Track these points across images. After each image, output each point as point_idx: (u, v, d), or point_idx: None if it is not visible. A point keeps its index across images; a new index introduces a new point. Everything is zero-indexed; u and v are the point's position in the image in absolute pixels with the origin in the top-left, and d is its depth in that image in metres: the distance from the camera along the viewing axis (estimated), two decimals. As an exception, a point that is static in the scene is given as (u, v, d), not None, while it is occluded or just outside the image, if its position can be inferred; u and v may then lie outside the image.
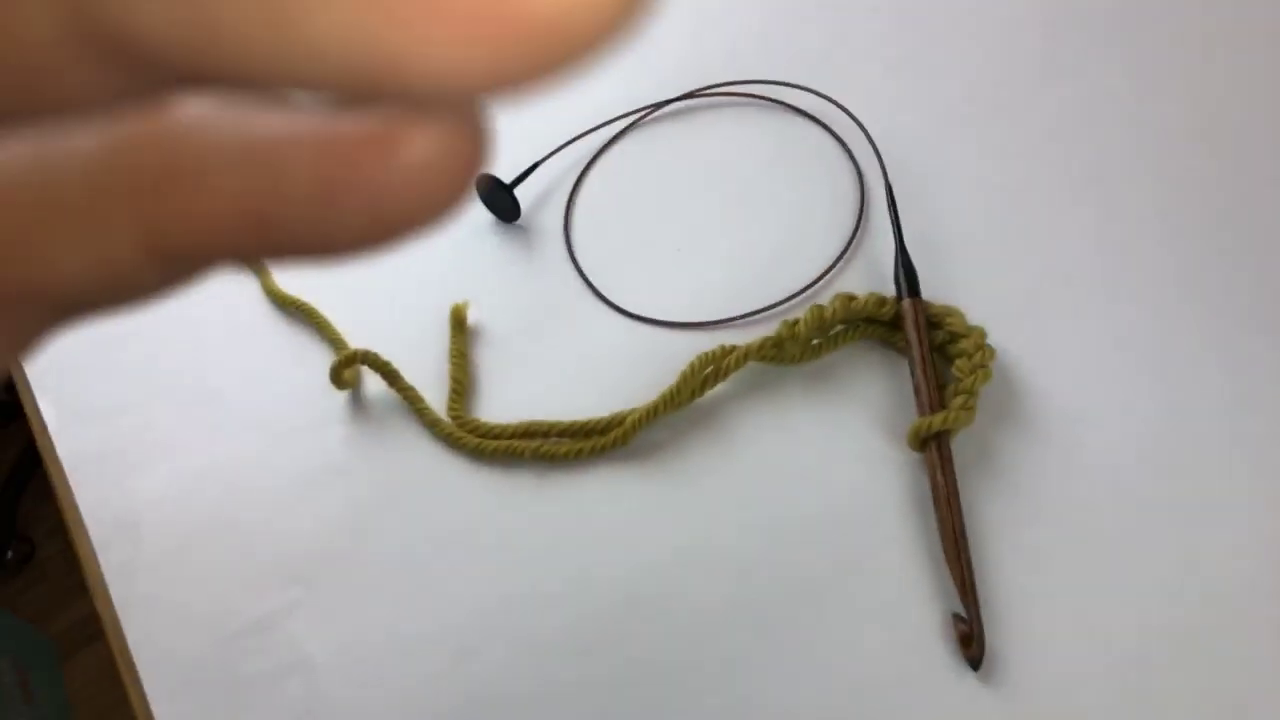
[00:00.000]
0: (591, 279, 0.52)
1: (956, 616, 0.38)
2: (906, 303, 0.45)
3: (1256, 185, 0.48)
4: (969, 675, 0.37)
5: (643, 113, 0.58)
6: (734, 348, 0.45)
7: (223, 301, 0.55)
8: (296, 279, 0.55)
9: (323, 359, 0.51)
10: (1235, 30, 0.54)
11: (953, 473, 0.41)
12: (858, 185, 0.52)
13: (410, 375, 0.49)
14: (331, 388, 0.49)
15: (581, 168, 0.57)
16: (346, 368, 0.49)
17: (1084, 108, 0.53)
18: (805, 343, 0.45)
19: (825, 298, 0.47)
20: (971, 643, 0.37)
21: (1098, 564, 0.39)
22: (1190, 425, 0.41)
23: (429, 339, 0.51)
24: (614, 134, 0.58)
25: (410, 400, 0.48)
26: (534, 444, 0.46)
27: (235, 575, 0.45)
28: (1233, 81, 0.52)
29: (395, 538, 0.45)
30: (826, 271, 0.49)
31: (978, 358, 0.43)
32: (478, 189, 0.55)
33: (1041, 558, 0.39)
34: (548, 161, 0.56)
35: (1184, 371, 0.43)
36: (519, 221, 0.55)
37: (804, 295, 0.49)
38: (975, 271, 0.48)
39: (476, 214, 0.56)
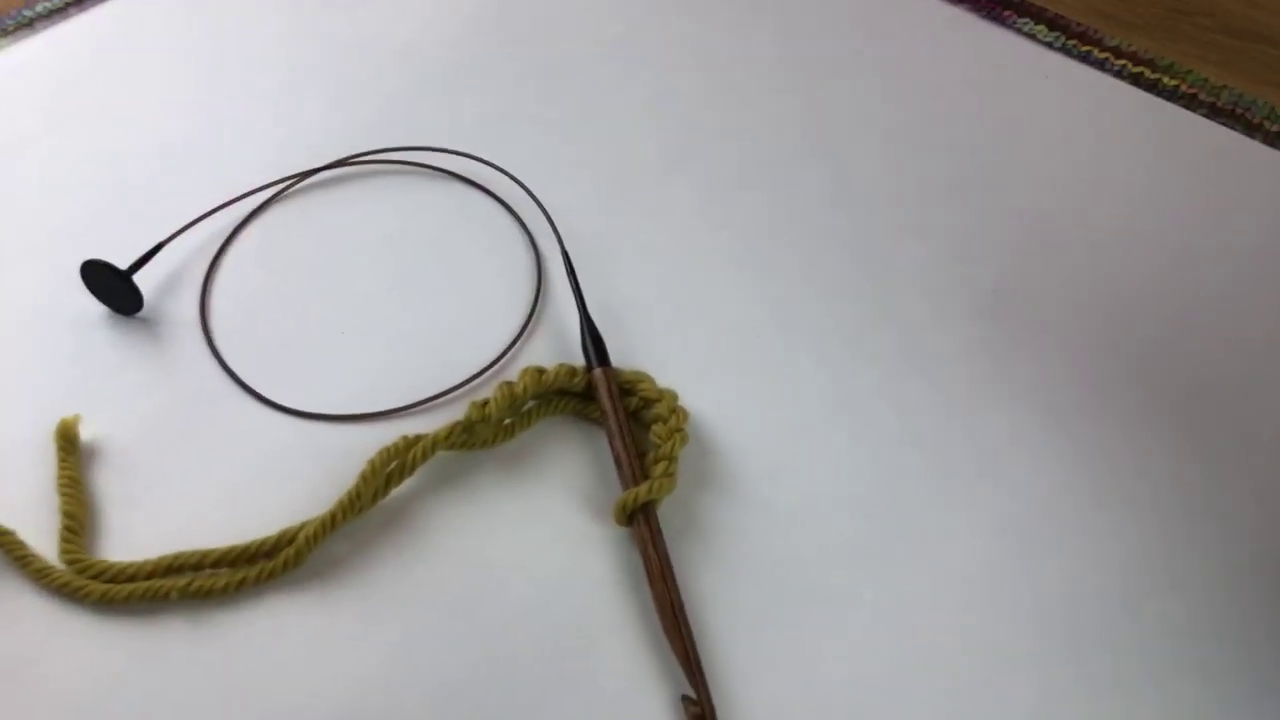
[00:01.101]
0: (240, 373, 0.45)
1: (686, 699, 0.36)
2: (597, 372, 0.43)
3: (892, 234, 0.52)
4: (707, 760, 0.35)
5: (287, 183, 0.52)
6: (419, 437, 0.41)
7: None
8: None
9: None
10: (861, 105, 0.59)
11: (663, 544, 0.39)
12: (533, 254, 0.50)
13: (4, 515, 0.39)
14: (-114, 545, 0.38)
15: (217, 247, 0.49)
16: (-92, 517, 0.38)
17: (739, 170, 0.55)
18: (497, 423, 0.42)
19: (512, 374, 0.44)
20: (705, 725, 0.35)
21: (812, 618, 0.39)
22: (872, 468, 0.43)
23: (28, 467, 0.41)
24: (254, 208, 0.51)
25: (6, 547, 0.38)
26: (183, 580, 0.38)
27: None
28: (866, 143, 0.57)
29: (-5, 732, 0.35)
30: (510, 346, 0.46)
31: (673, 421, 0.42)
32: (85, 278, 0.46)
33: (760, 621, 0.39)
34: (173, 242, 0.48)
35: (858, 416, 0.45)
36: (141, 314, 0.47)
37: (489, 373, 0.45)
38: (659, 335, 0.47)
39: (85, 307, 0.46)
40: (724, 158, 0.56)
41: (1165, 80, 0.61)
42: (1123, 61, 0.62)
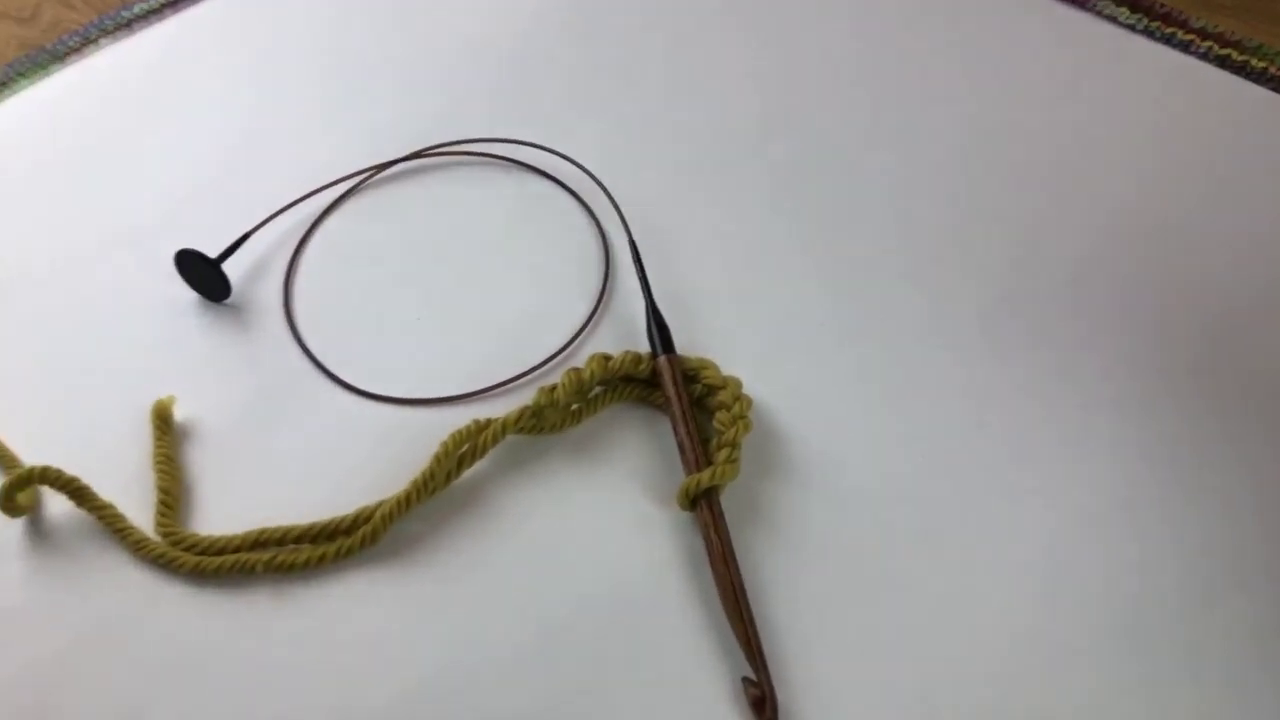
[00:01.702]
0: (321, 358, 0.47)
1: (746, 680, 0.37)
2: (662, 359, 0.44)
3: (964, 222, 0.52)
4: (766, 741, 0.36)
5: (365, 175, 0.54)
6: (490, 421, 0.42)
7: None
8: (-54, 386, 0.45)
9: (-13, 481, 0.42)
10: (933, 94, 0.59)
11: (726, 529, 0.40)
12: (601, 243, 0.51)
13: (105, 490, 0.41)
14: (1, 515, 0.40)
15: (300, 237, 0.52)
16: (20, 490, 0.40)
17: (811, 158, 0.55)
18: (565, 409, 0.43)
19: (579, 360, 0.45)
20: (765, 706, 0.36)
21: (874, 604, 0.39)
22: (940, 455, 0.43)
23: (126, 445, 0.43)
24: (334, 199, 0.53)
25: (107, 520, 0.41)
26: (267, 555, 0.40)
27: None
28: (940, 131, 0.56)
29: (100, 693, 0.37)
30: (578, 333, 0.47)
31: (736, 408, 0.42)
32: (178, 266, 0.48)
33: (821, 606, 0.39)
34: (259, 231, 0.50)
35: (927, 403, 0.45)
36: (230, 300, 0.49)
37: (557, 360, 0.46)
38: (723, 322, 0.48)
39: (178, 293, 0.49)
40: (794, 147, 0.56)
41: (1254, 62, 0.59)
42: (1209, 43, 0.60)
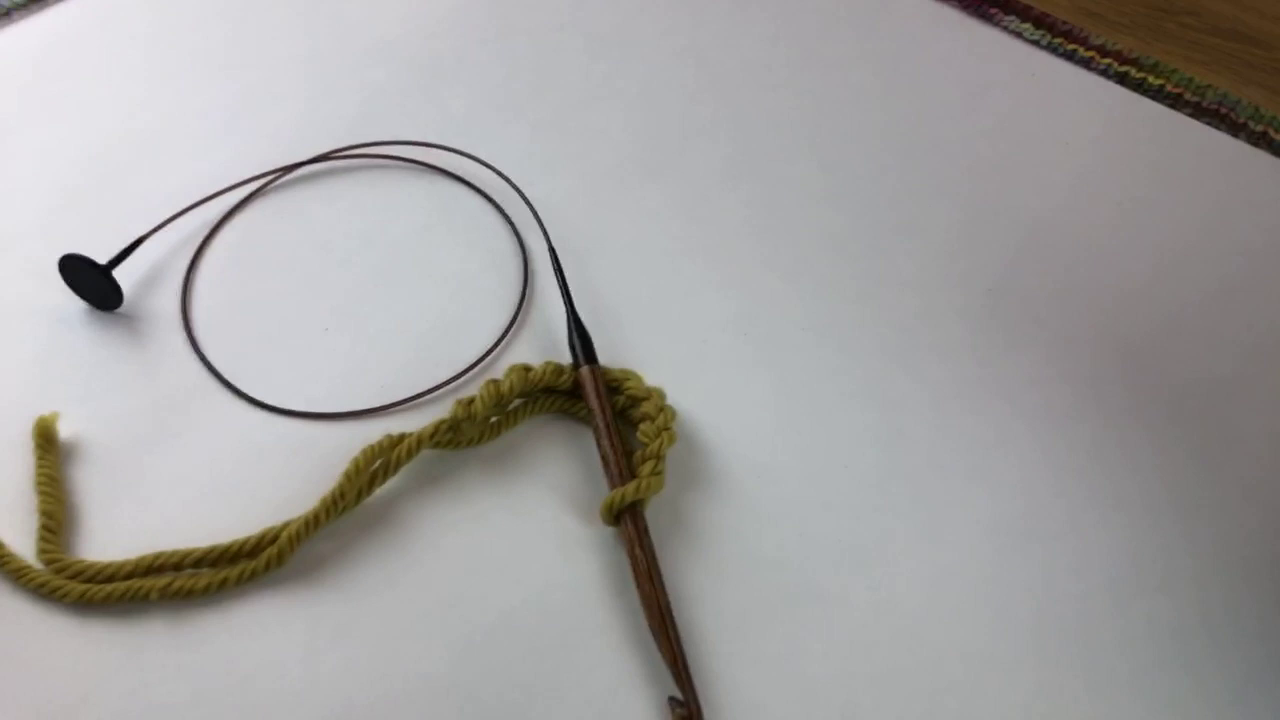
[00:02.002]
0: (222, 370, 0.44)
1: (673, 700, 0.36)
2: (584, 369, 0.43)
3: (879, 231, 0.52)
4: (694, 761, 0.35)
5: (270, 177, 0.51)
6: (404, 436, 0.40)
7: None
8: None
9: None
10: (850, 101, 0.59)
11: (650, 545, 0.39)
12: (519, 250, 0.50)
13: (-20, 515, 0.38)
14: None
15: (199, 242, 0.49)
16: (-119, 516, 0.37)
17: (728, 166, 0.55)
18: (483, 422, 0.42)
19: (498, 371, 0.43)
20: (692, 726, 0.35)
21: (800, 618, 0.39)
22: (860, 466, 0.43)
23: (5, 465, 0.40)
24: (237, 202, 0.50)
25: (-18, 547, 0.38)
26: (163, 581, 0.37)
27: None
28: (856, 141, 0.57)
29: (-29, 735, 0.34)
30: (496, 343, 0.46)
31: (660, 420, 0.42)
32: (63, 273, 0.45)
33: (747, 621, 0.38)
34: (154, 236, 0.47)
35: (846, 414, 0.45)
36: (121, 309, 0.46)
37: (474, 371, 0.45)
38: (647, 333, 0.47)
39: (63, 303, 0.45)
40: (713, 154, 0.55)
41: (1150, 79, 0.61)
42: (1108, 60, 0.63)
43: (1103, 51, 0.63)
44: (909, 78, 0.61)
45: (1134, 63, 0.62)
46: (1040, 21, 0.65)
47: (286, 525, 0.38)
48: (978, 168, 0.56)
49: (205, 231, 0.49)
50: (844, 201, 0.54)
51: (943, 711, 0.37)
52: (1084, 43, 0.64)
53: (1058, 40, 0.64)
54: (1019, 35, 0.64)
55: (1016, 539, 0.41)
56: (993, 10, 0.65)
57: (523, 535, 0.40)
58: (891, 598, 0.39)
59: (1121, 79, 0.62)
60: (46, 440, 0.40)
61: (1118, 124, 0.59)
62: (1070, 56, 0.63)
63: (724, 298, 0.49)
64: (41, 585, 0.37)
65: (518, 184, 0.52)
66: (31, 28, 0.59)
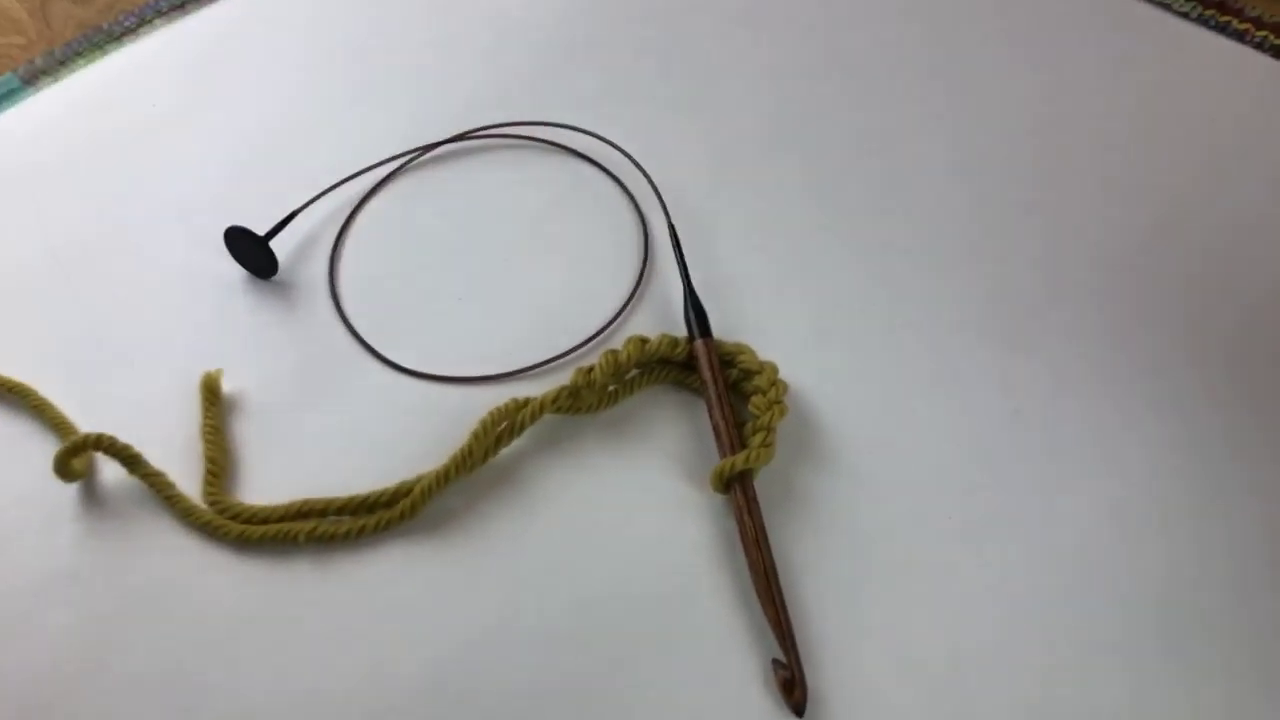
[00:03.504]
0: (364, 335, 0.48)
1: (776, 663, 0.37)
2: (699, 343, 0.44)
3: (1008, 210, 0.51)
4: (794, 722, 0.36)
5: (410, 156, 0.54)
6: (528, 400, 0.43)
7: (-92, 387, 0.46)
8: (5, 357, 0.47)
9: (44, 447, 0.43)
10: (980, 79, 0.58)
11: (759, 512, 0.40)
12: (640, 227, 0.51)
13: (156, 458, 0.42)
14: (57, 480, 0.42)
15: (345, 216, 0.52)
16: (75, 455, 0.42)
17: (852, 145, 0.55)
18: (601, 390, 0.44)
19: (617, 342, 0.45)
20: (794, 689, 0.36)
21: (906, 591, 0.39)
22: (975, 445, 0.43)
23: (177, 415, 0.45)
24: (379, 179, 0.54)
25: (157, 487, 0.42)
26: (309, 525, 0.41)
27: (-64, 722, 0.37)
28: (987, 118, 0.56)
29: (147, 652, 0.38)
30: (616, 316, 0.48)
31: (772, 394, 0.43)
32: (227, 243, 0.49)
33: (853, 591, 0.39)
34: (306, 210, 0.51)
35: (962, 393, 0.45)
36: (276, 277, 0.50)
37: (595, 341, 0.47)
38: (761, 307, 0.48)
39: (226, 270, 0.50)
40: (836, 132, 0.55)
41: (1311, 52, 0.58)
42: (1264, 33, 0.59)
43: (1258, 23, 0.60)
44: (1046, 52, 0.59)
45: (1293, 34, 0.59)
46: (1191, -8, 0.62)
47: (419, 479, 0.41)
48: (1117, 145, 0.54)
49: (352, 206, 0.53)
50: (972, 179, 0.53)
51: (1043, 694, 0.37)
52: (1238, 14, 0.60)
53: (1210, 12, 0.61)
54: (1167, 7, 0.61)
55: (1132, 526, 0.40)
56: (1138, -18, 0.62)
57: (637, 498, 0.42)
58: (1002, 576, 0.39)
59: (1278, 52, 0.58)
60: (212, 394, 0.45)
61: (1271, 99, 0.56)
62: (1223, 29, 0.60)
63: (842, 275, 0.49)
64: (206, 524, 0.41)
65: (641, 162, 0.53)
66: (203, 19, 0.64)
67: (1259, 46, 0.59)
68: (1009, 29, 0.61)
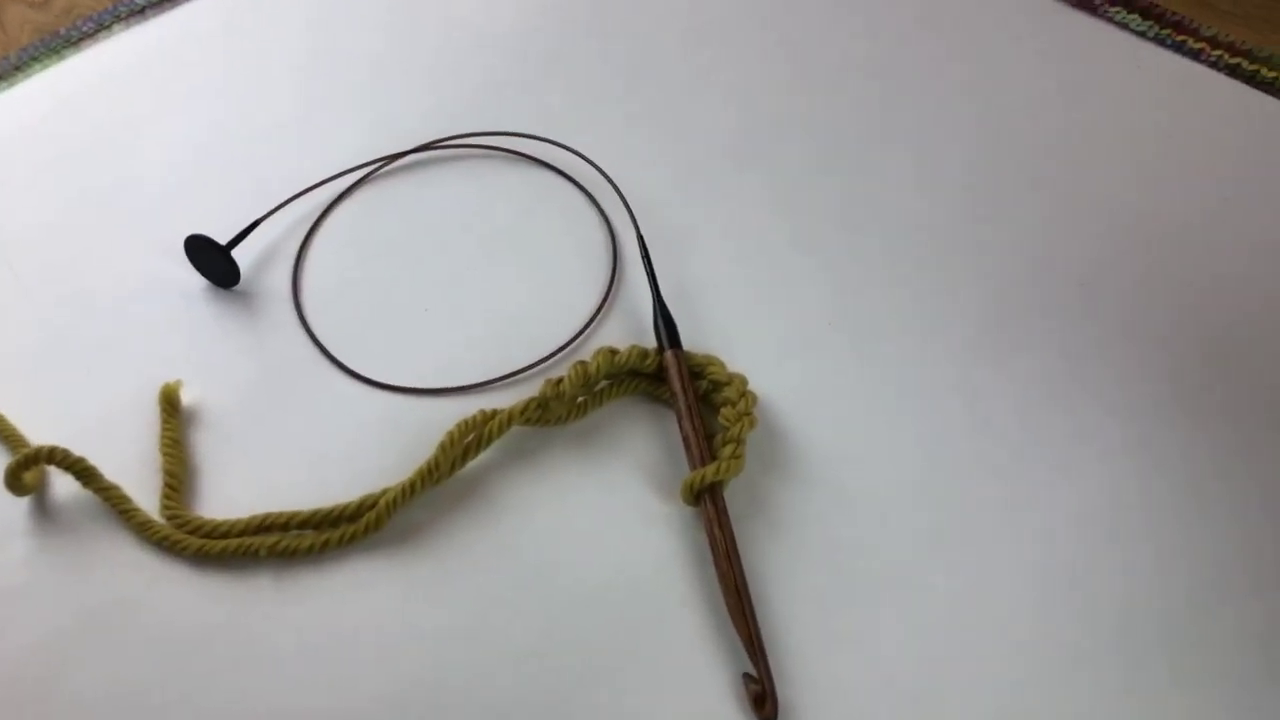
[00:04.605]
0: (328, 346, 0.47)
1: (747, 676, 0.37)
2: (668, 354, 0.44)
3: (971, 224, 0.52)
4: (765, 736, 0.36)
5: (375, 165, 0.54)
6: (495, 412, 0.42)
7: None
8: (-46, 366, 0.45)
9: (-6, 461, 0.42)
10: (946, 94, 0.59)
11: (729, 525, 0.40)
12: (609, 238, 0.51)
13: (112, 471, 0.41)
14: (7, 494, 0.40)
15: (309, 225, 0.52)
16: (26, 469, 0.40)
17: (819, 159, 0.55)
18: (570, 401, 0.43)
19: (586, 354, 0.45)
20: (765, 702, 0.36)
21: (876, 602, 0.39)
22: (944, 457, 0.43)
23: (134, 427, 0.43)
24: (344, 188, 0.53)
25: (113, 501, 0.41)
26: (271, 539, 0.40)
27: (-124, 747, 0.35)
28: (949, 133, 0.56)
29: (103, 671, 0.37)
30: (585, 327, 0.47)
31: (742, 405, 0.43)
32: (188, 252, 0.48)
33: (823, 603, 0.39)
34: (268, 219, 0.50)
35: (930, 405, 0.45)
36: (238, 286, 0.49)
37: (564, 353, 0.47)
38: (731, 319, 0.48)
39: (187, 279, 0.49)
40: (803, 146, 0.56)
41: (1264, 72, 0.59)
42: (1219, 52, 0.61)
43: (1214, 43, 0.61)
44: (1006, 69, 0.60)
45: (1246, 54, 0.60)
46: (1148, 12, 0.63)
47: (385, 492, 0.41)
48: (1077, 160, 0.55)
49: (316, 215, 0.52)
50: (936, 194, 0.53)
51: (1020, 703, 0.37)
52: (1194, 33, 0.62)
53: (1166, 31, 0.62)
54: (1125, 26, 0.62)
55: (1101, 535, 0.41)
56: (1098, 1, 0.63)
57: (606, 511, 0.42)
58: (971, 586, 0.39)
59: (1232, 71, 0.59)
60: (171, 405, 0.44)
61: (1226, 117, 0.57)
62: (1179, 48, 0.61)
63: (810, 287, 0.49)
64: (163, 539, 0.40)
65: (610, 174, 0.53)
66: (162, 24, 0.63)
67: (1213, 65, 0.60)
68: (973, 46, 0.62)
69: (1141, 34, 0.62)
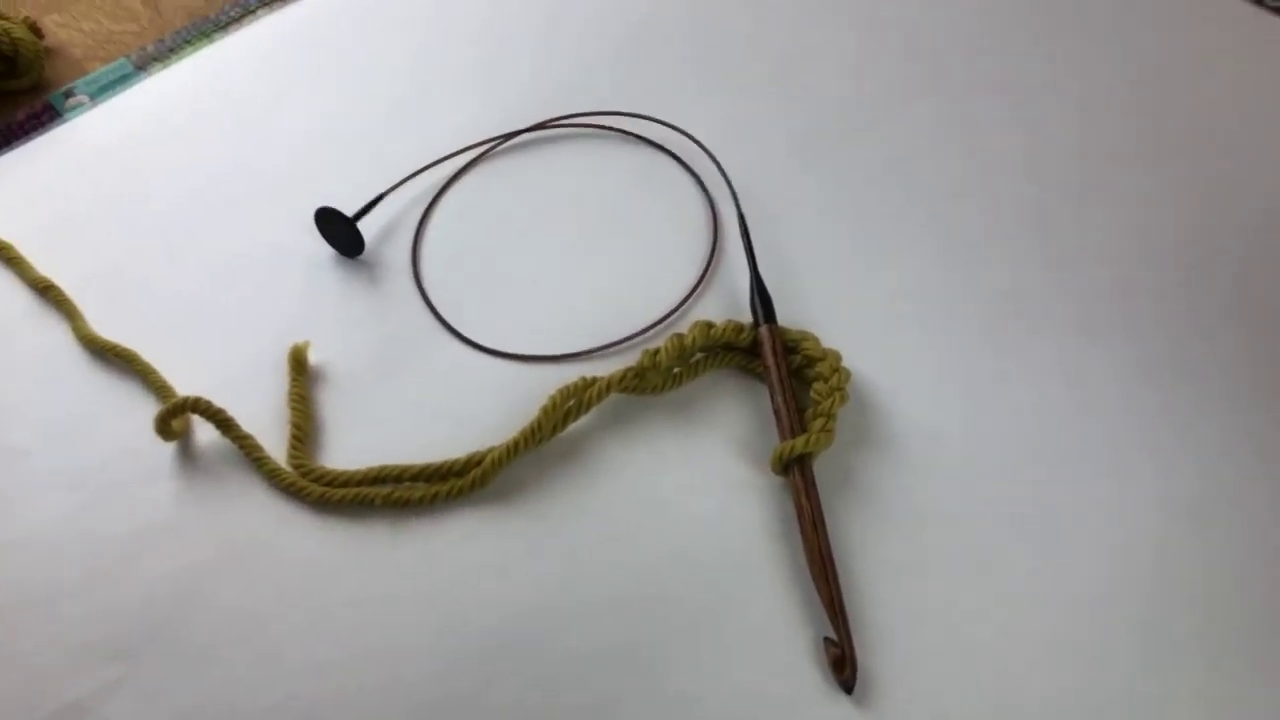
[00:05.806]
0: (443, 313, 0.50)
1: (828, 640, 0.38)
2: (763, 329, 0.45)
3: (1073, 204, 0.51)
4: (843, 700, 0.37)
5: (491, 144, 0.56)
6: (595, 379, 0.44)
7: (27, 348, 0.50)
8: (114, 323, 0.50)
9: (146, 408, 0.46)
10: (1058, 69, 0.58)
11: (816, 495, 0.41)
12: (710, 214, 0.53)
13: (246, 422, 0.45)
14: (157, 439, 0.45)
15: (429, 200, 0.55)
16: (174, 417, 0.45)
17: (920, 137, 0.55)
18: (666, 372, 0.45)
19: (683, 326, 0.46)
20: (844, 666, 0.37)
21: (960, 577, 0.40)
22: (1038, 435, 0.43)
23: (267, 383, 0.47)
24: (461, 166, 0.56)
25: (247, 449, 0.45)
26: (386, 490, 0.43)
27: (46, 654, 0.40)
28: (1061, 110, 0.55)
29: (232, 601, 0.41)
30: (684, 300, 0.49)
31: (834, 380, 0.43)
32: (318, 223, 0.52)
33: (907, 575, 0.40)
34: (392, 194, 0.54)
35: (1028, 384, 0.45)
36: (362, 256, 0.53)
37: (663, 325, 0.48)
38: (827, 296, 0.48)
39: (316, 249, 0.52)
40: (909, 122, 0.56)
41: None
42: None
43: (1358, 19, 0.58)
44: (1131, 43, 0.58)
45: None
46: (1286, -13, 0.60)
47: (491, 451, 0.43)
48: (1196, 140, 0.53)
49: (435, 190, 0.55)
50: (1046, 171, 0.53)
51: (1100, 683, 0.37)
52: (1337, 10, 0.58)
53: (1306, 7, 0.59)
54: (1260, 3, 0.59)
55: (1199, 523, 0.40)
56: (1231, -24, 0.61)
57: (697, 476, 0.43)
58: (1057, 567, 0.39)
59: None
60: (299, 364, 0.47)
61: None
62: (1319, 25, 0.58)
63: (908, 265, 0.49)
64: (290, 485, 0.44)
65: (713, 151, 0.54)
66: (301, 10, 0.67)
67: (1357, 43, 0.57)
68: (1092, 19, 0.60)
69: (1276, 10, 0.59)
